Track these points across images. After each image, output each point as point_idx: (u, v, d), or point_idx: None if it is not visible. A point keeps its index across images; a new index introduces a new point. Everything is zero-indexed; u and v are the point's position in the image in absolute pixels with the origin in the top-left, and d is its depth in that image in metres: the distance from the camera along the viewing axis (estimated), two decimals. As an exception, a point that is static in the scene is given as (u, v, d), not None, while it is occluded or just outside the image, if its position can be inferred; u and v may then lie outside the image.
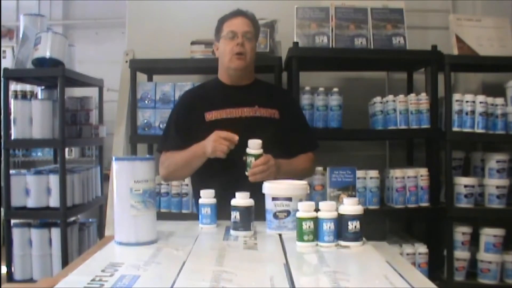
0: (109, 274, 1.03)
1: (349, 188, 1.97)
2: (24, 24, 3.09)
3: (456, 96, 2.67)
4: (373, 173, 2.63)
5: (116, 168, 1.32)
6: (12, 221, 2.93)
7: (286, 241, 1.36)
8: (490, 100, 2.67)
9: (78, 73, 3.16)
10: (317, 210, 1.32)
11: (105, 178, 3.50)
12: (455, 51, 2.73)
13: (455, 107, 2.66)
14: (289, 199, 1.45)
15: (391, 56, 2.70)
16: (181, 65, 2.81)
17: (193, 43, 2.82)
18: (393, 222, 3.11)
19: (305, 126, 2.09)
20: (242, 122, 1.88)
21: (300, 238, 1.30)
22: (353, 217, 1.31)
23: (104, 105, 3.56)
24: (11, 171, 2.95)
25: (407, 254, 2.58)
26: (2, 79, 2.87)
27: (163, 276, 1.03)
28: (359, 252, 1.28)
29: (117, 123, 3.05)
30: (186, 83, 2.75)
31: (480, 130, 2.63)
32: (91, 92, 3.47)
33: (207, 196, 1.57)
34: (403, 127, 2.67)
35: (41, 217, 3.01)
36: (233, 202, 1.46)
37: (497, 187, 2.65)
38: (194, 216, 1.85)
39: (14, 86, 3.37)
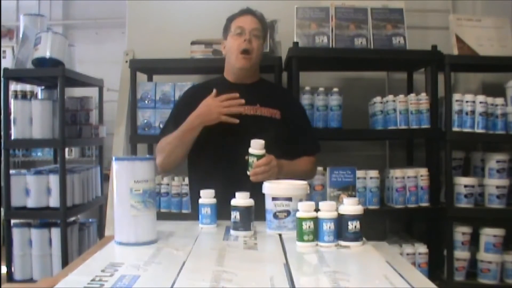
0: (109, 274, 1.03)
1: (349, 188, 1.97)
2: (24, 24, 3.09)
3: (456, 96, 2.67)
4: (373, 173, 2.63)
5: (116, 168, 1.32)
6: (12, 221, 2.93)
7: (286, 241, 1.36)
8: (490, 100, 2.67)
9: (78, 73, 3.16)
10: (317, 210, 1.32)
11: (105, 178, 3.51)
12: (455, 51, 2.74)
13: (455, 107, 2.66)
14: (289, 199, 1.45)
15: (391, 56, 2.70)
16: (181, 65, 2.82)
17: (193, 43, 2.82)
18: (393, 222, 3.11)
19: (308, 129, 2.07)
20: (242, 120, 1.88)
21: (300, 238, 1.30)
22: (353, 217, 1.31)
23: (104, 105, 3.56)
24: (11, 171, 2.95)
25: (407, 254, 2.58)
26: (2, 79, 2.87)
27: (163, 276, 1.03)
28: (359, 252, 1.28)
29: (117, 123, 3.05)
30: (186, 83, 2.75)
31: (480, 130, 2.63)
32: (91, 92, 3.47)
33: (207, 196, 1.57)
34: (403, 127, 2.67)
35: (41, 217, 3.01)
36: (233, 202, 1.46)
37: (497, 187, 2.65)
38: (194, 216, 1.85)
39: (14, 86, 3.37)
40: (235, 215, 1.44)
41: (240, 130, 1.84)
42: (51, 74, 2.91)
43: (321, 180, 2.51)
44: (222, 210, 1.54)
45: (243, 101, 1.84)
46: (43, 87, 3.32)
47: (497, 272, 2.62)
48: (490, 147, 2.91)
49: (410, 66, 2.98)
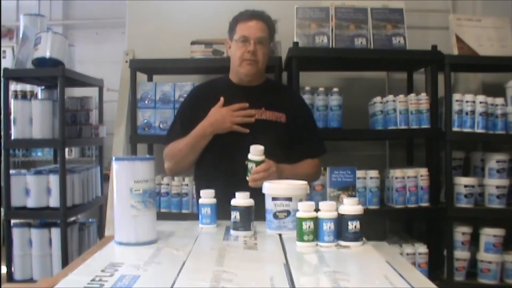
0: (109, 274, 1.03)
1: (349, 188, 1.97)
2: (24, 24, 3.09)
3: (456, 96, 2.67)
4: (373, 173, 2.63)
5: (116, 168, 1.32)
6: (12, 221, 2.93)
7: (286, 241, 1.36)
8: (490, 100, 2.67)
9: (78, 73, 3.16)
10: (317, 210, 1.32)
11: (105, 178, 3.51)
12: (455, 51, 2.73)
13: (455, 107, 2.66)
14: (289, 199, 1.45)
15: (391, 56, 2.70)
16: (181, 65, 2.82)
17: (193, 43, 2.82)
18: (393, 222, 3.11)
19: (313, 131, 2.04)
20: (246, 123, 1.88)
21: (300, 238, 1.30)
22: (353, 217, 1.31)
23: (104, 105, 3.56)
24: (11, 171, 2.95)
25: (407, 254, 2.58)
26: (2, 79, 2.87)
27: (163, 276, 1.03)
28: (359, 252, 1.28)
29: (117, 123, 3.05)
30: (186, 83, 2.75)
31: (480, 130, 2.63)
32: (91, 92, 3.47)
33: (207, 196, 1.57)
34: (403, 127, 2.67)
35: (41, 217, 3.01)
36: (233, 202, 1.46)
37: (497, 187, 2.65)
38: (194, 216, 1.85)
39: (14, 86, 3.36)
40: (235, 215, 1.45)
41: (245, 134, 1.85)
42: (51, 74, 2.91)
43: (321, 180, 2.50)
44: (225, 210, 1.54)
45: (254, 112, 1.86)
46: (43, 87, 3.32)
47: (497, 272, 2.62)
48: (490, 147, 2.91)
49: (410, 66, 2.98)
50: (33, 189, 2.89)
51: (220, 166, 1.90)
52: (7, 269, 2.88)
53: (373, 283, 1.01)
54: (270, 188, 1.49)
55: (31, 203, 2.90)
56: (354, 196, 1.91)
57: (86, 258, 1.22)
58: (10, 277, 2.88)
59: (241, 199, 1.46)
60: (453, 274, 2.63)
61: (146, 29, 3.13)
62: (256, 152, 1.72)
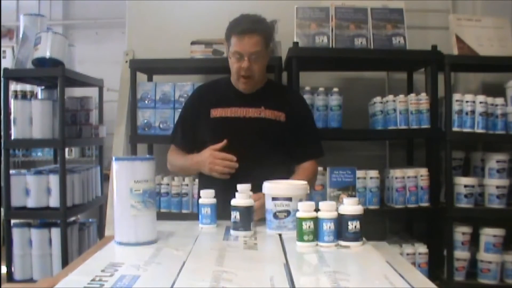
0: (109, 274, 1.03)
1: (349, 188, 1.97)
2: (24, 24, 3.08)
3: (456, 96, 2.67)
4: (373, 173, 2.63)
5: (116, 168, 1.32)
6: (12, 221, 2.93)
7: (286, 241, 1.36)
8: (490, 100, 2.67)
9: (78, 73, 3.16)
10: (317, 210, 1.32)
11: (105, 178, 3.51)
12: (455, 51, 2.73)
13: (455, 107, 2.66)
14: (289, 199, 1.45)
15: (391, 56, 2.70)
16: (181, 65, 2.82)
17: (193, 43, 2.82)
18: (393, 222, 3.11)
19: (312, 133, 2.03)
20: (246, 122, 1.89)
21: (300, 238, 1.30)
22: (353, 217, 1.31)
23: (104, 105, 3.56)
24: (11, 171, 2.94)
25: (407, 254, 2.58)
26: (2, 79, 2.87)
27: (163, 276, 1.03)
28: (359, 252, 1.28)
29: (117, 123, 3.05)
30: (186, 83, 2.75)
31: (480, 130, 2.63)
32: (91, 92, 3.47)
33: (207, 196, 1.57)
34: (403, 127, 2.67)
35: (41, 217, 3.01)
36: (233, 202, 1.46)
37: (497, 187, 2.65)
38: (194, 216, 1.85)
39: (14, 86, 3.36)
40: (235, 215, 1.45)
41: (244, 132, 1.87)
42: (51, 74, 2.91)
43: (321, 180, 2.51)
44: (226, 210, 1.54)
45: (236, 165, 1.80)
46: (43, 87, 3.32)
47: (497, 272, 2.62)
48: (490, 147, 2.91)
49: (410, 66, 2.98)
50: (33, 189, 2.89)
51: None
52: (7, 269, 2.87)
53: (373, 283, 1.01)
54: (270, 188, 1.49)
55: (31, 203, 2.89)
56: (354, 196, 1.91)
57: (86, 258, 1.22)
58: (10, 277, 2.87)
59: (241, 199, 1.46)
60: (453, 274, 2.63)
61: (146, 29, 3.13)
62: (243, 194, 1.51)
